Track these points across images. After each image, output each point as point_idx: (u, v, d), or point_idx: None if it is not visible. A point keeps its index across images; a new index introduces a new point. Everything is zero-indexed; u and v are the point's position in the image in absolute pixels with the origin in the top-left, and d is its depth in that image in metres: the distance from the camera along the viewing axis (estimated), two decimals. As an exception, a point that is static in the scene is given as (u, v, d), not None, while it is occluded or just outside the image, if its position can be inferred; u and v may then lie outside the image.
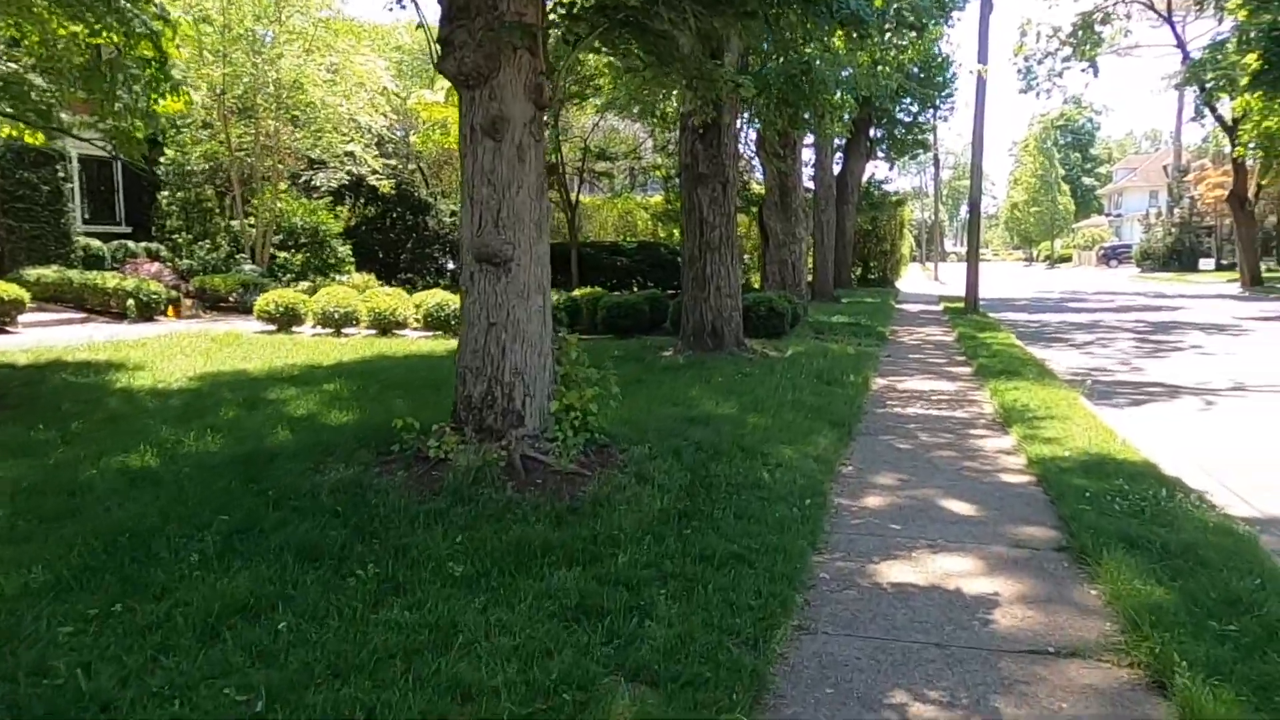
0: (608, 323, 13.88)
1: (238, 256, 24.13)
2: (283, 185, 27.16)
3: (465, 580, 3.49)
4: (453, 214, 31.39)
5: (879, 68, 10.73)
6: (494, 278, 4.96)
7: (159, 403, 7.92)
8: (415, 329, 15.06)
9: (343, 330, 15.35)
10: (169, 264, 23.49)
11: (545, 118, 5.06)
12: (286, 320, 15.46)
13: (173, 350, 12.16)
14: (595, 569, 3.66)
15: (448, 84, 23.16)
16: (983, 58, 19.22)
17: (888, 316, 19.30)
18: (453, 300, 14.62)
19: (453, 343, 13.55)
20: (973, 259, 20.47)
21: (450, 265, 32.17)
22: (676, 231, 36.21)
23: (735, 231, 11.09)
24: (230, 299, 21.42)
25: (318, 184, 25.32)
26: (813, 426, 7.03)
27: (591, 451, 5.29)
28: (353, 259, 28.43)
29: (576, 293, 15.30)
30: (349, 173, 25.95)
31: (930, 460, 6.51)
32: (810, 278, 26.14)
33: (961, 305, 22.00)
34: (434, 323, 14.61)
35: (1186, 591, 3.70)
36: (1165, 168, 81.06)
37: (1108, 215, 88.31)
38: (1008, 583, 4.08)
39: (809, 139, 28.31)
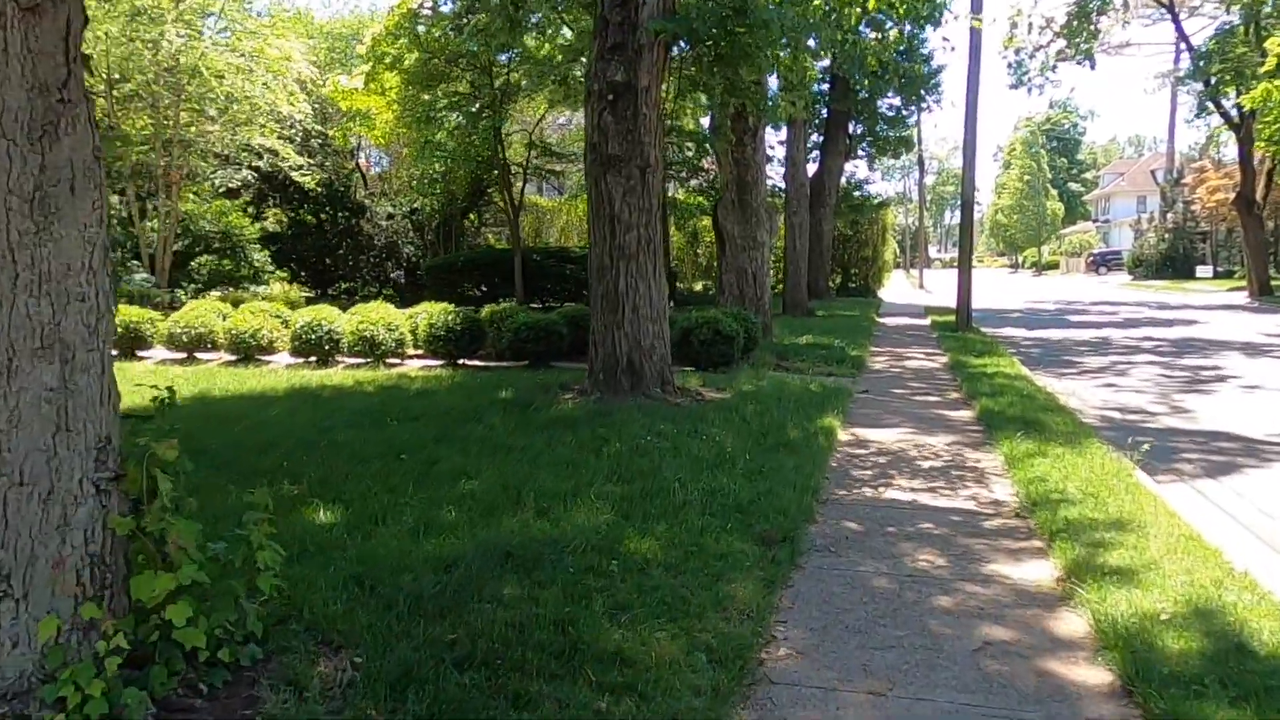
0: (515, 348, 11.08)
1: (129, 264, 21.18)
2: (205, 185, 24.29)
3: None
4: (390, 216, 28.55)
5: (844, 10, 7.97)
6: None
7: None
8: (286, 353, 12.20)
9: (196, 356, 12.50)
10: (47, 272, 20.57)
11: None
12: (130, 343, 12.57)
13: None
14: None
15: (366, 68, 20.26)
16: (976, 7, 16.58)
17: (867, 335, 16.59)
18: (332, 319, 11.84)
19: (316, 377, 10.69)
20: (964, 266, 17.81)
21: (396, 273, 29.34)
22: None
23: (660, 233, 8.34)
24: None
25: (217, 181, 22.34)
26: (730, 549, 4.27)
27: (205, 699, 2.47)
28: (273, 267, 25.59)
29: (485, 311, 12.49)
30: (255, 169, 23.02)
31: (923, 623, 3.75)
32: (780, 288, 23.48)
33: (952, 319, 19.37)
34: (307, 347, 11.77)
35: None
36: (1154, 173, 79.17)
37: (1095, 221, 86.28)
38: None
39: (782, 135, 25.68)
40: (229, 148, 21.87)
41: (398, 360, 11.94)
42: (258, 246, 24.86)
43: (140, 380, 10.39)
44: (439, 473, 5.59)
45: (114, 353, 9.65)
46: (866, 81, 18.95)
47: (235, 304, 20.91)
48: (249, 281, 23.65)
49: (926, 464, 6.69)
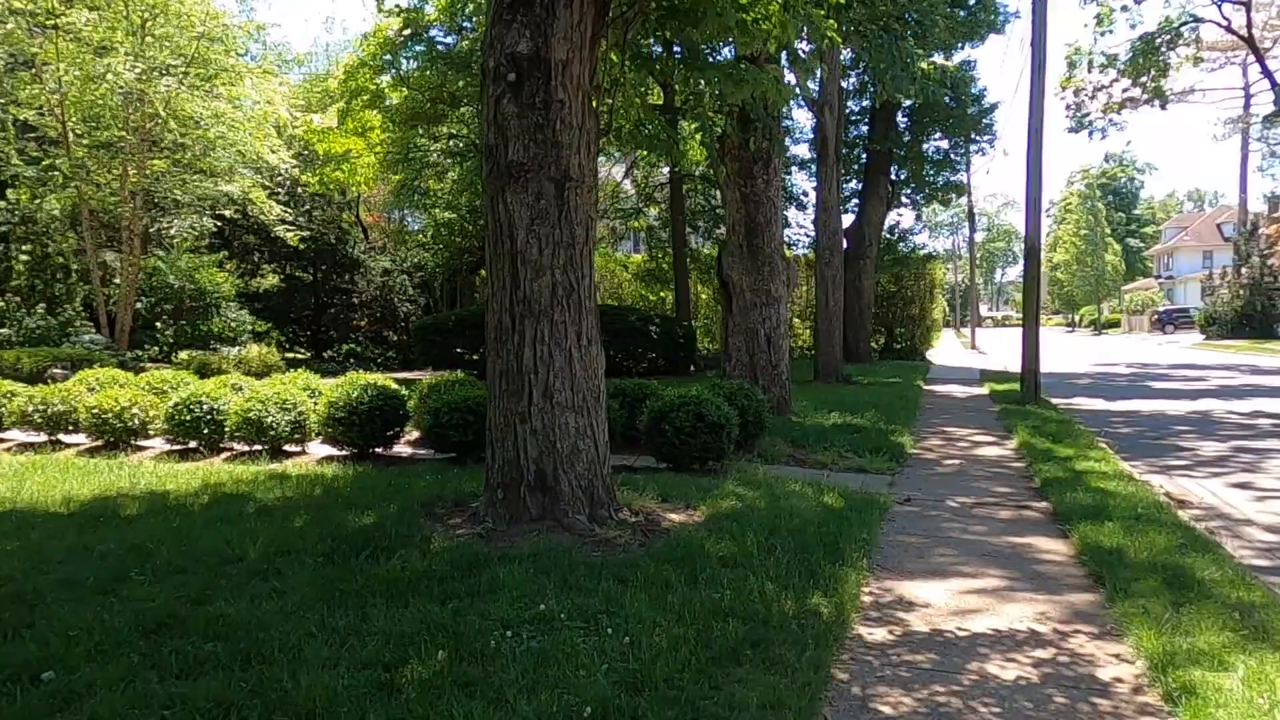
0: (437, 435, 8.36)
1: (78, 324, 19.06)
2: (182, 240, 22.31)
3: None
4: (386, 272, 26.34)
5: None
6: None
7: None
8: (161, 437, 9.62)
9: (60, 439, 10.00)
10: (-14, 334, 18.53)
11: None
12: (-19, 423, 10.13)
13: None
14: None
15: (341, 104, 18.07)
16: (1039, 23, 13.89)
17: (912, 409, 13.60)
18: (215, 395, 9.27)
19: (157, 476, 8.01)
20: (1030, 324, 14.80)
21: (393, 334, 27.02)
22: (667, 295, 30.89)
23: (591, 279, 5.60)
24: (45, 382, 16.21)
25: (174, 231, 20.23)
26: None
27: None
28: (250, 326, 23.35)
29: (424, 382, 9.83)
30: (220, 218, 20.93)
31: None
32: (813, 350, 20.57)
33: (1014, 388, 16.34)
34: (184, 430, 9.19)
35: None
36: (1220, 226, 75.12)
37: (1158, 277, 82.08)
38: None
39: (814, 184, 23.07)
40: (193, 194, 19.78)
41: (298, 449, 9.29)
42: (236, 304, 22.70)
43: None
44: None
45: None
46: (901, 95, 16.08)
47: (200, 370, 18.65)
48: (221, 343, 21.38)
49: (1011, 673, 3.77)
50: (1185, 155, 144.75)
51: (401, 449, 9.43)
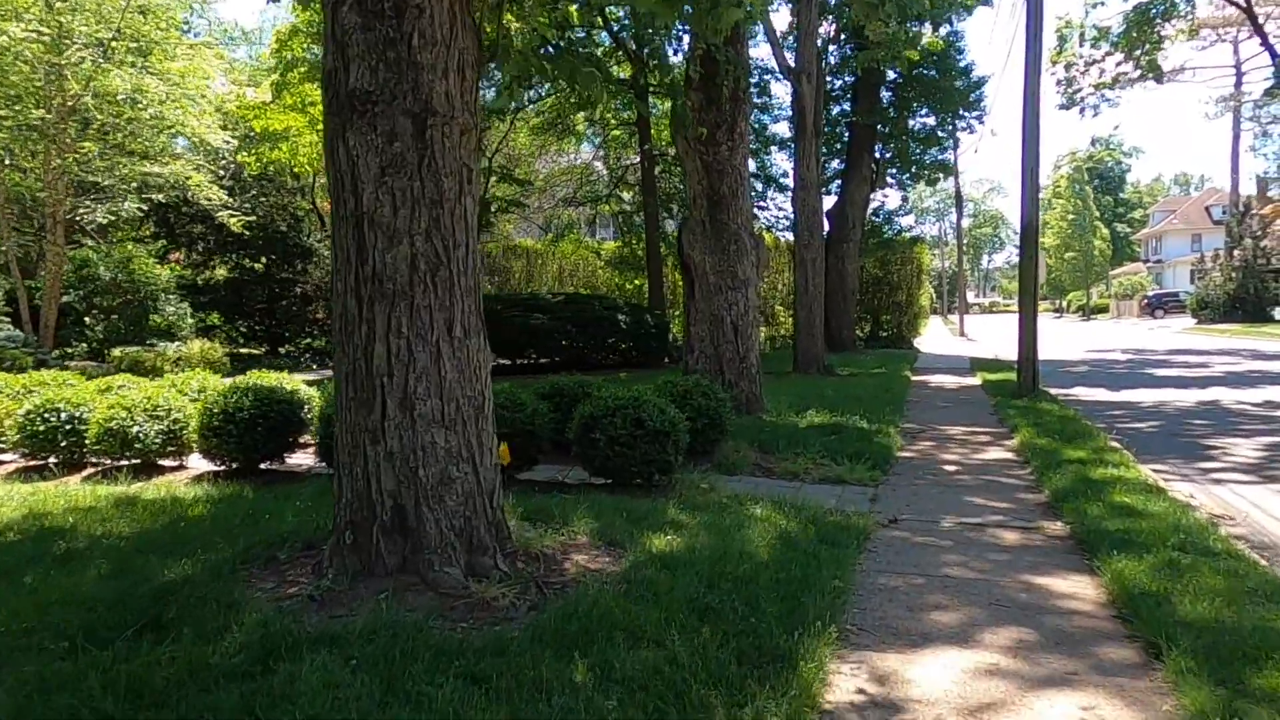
0: (328, 446, 6.98)
1: (-7, 321, 17.55)
2: (124, 231, 20.80)
3: None
4: (340, 261, 24.80)
5: None
6: None
7: None
8: (17, 451, 8.16)
9: (-99, 453, 8.56)
10: (-112, 332, 17.01)
11: None
12: None
13: None
14: None
15: (276, 77, 16.48)
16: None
17: (899, 403, 12.28)
18: (77, 401, 7.84)
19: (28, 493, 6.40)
20: (1028, 311, 13.49)
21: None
22: (643, 282, 29.43)
23: (467, 247, 4.21)
24: (-52, 382, 14.64)
25: (89, 218, 18.66)
26: None
27: None
28: (194, 320, 21.80)
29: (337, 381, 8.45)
30: (160, 205, 19.38)
31: None
32: (792, 339, 19.24)
33: (1007, 377, 15.16)
34: (38, 443, 7.75)
35: None
36: (1208, 209, 74.25)
37: (1145, 261, 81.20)
38: None
39: (793, 163, 21.65)
40: (119, 177, 18.22)
41: (175, 463, 7.88)
42: (177, 297, 21.16)
43: None
44: None
45: None
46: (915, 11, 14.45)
47: (133, 368, 17.17)
48: (162, 339, 19.85)
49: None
50: (1172, 138, 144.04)
51: (302, 459, 8.05)
